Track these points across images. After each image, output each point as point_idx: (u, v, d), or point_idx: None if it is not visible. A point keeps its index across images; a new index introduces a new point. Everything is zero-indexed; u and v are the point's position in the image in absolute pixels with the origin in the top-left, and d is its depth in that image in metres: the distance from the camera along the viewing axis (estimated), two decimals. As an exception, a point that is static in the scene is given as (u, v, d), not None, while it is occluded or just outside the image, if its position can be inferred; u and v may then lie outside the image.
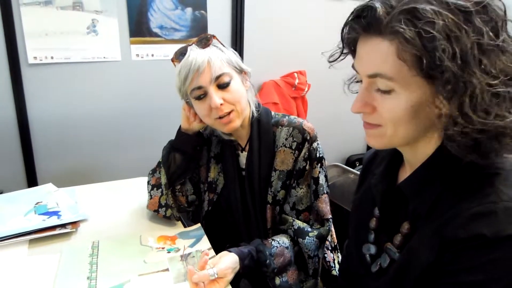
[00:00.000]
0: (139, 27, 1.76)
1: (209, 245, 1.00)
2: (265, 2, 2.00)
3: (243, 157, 1.08)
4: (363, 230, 0.77)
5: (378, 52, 0.55)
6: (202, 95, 0.96)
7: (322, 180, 1.03)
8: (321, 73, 1.60)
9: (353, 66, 0.64)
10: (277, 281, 0.95)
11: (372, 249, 0.74)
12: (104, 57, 1.74)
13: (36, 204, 1.18)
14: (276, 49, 2.10)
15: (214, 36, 1.01)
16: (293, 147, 1.03)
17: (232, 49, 1.04)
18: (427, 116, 0.56)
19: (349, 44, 0.62)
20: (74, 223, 1.08)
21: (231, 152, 1.10)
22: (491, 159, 0.54)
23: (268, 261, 0.94)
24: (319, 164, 1.03)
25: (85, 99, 1.76)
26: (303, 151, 1.02)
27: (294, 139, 1.03)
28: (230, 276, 0.86)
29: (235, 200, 1.08)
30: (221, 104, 0.94)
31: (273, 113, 1.11)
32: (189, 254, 0.96)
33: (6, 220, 1.08)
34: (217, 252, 0.94)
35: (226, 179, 1.10)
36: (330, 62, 0.68)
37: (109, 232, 1.05)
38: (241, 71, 1.02)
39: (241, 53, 1.99)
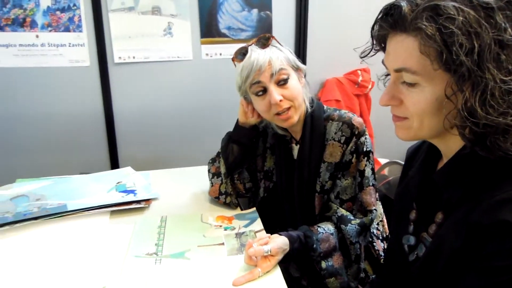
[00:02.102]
0: (209, 29, 1.91)
1: (261, 227, 1.09)
2: (328, 1, 2.04)
3: (296, 149, 1.15)
4: (403, 222, 0.80)
5: (403, 48, 0.59)
6: (262, 92, 1.04)
7: (368, 173, 1.07)
8: (385, 70, 1.60)
9: (383, 62, 0.68)
10: (323, 264, 1.01)
11: (412, 240, 0.77)
12: (178, 57, 1.92)
13: (117, 183, 1.37)
14: (339, 47, 2.12)
15: (273, 37, 1.08)
16: (342, 141, 1.08)
17: (288, 48, 1.12)
18: (451, 109, 0.58)
19: (379, 41, 0.66)
20: (147, 201, 1.25)
21: (284, 144, 1.18)
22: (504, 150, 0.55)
23: (315, 245, 1.00)
24: (366, 158, 1.07)
25: (161, 94, 1.95)
26: (350, 144, 1.06)
27: (343, 133, 1.08)
28: (279, 256, 0.93)
29: (287, 188, 1.16)
30: (280, 101, 1.02)
31: (325, 107, 1.16)
32: (243, 233, 1.06)
33: (92, 195, 1.27)
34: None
35: (280, 169, 1.18)
36: (361, 57, 0.72)
37: (175, 210, 1.20)
38: (297, 69, 1.09)
39: (304, 51, 2.05)
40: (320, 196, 1.10)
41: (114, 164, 1.94)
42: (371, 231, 1.15)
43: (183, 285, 0.83)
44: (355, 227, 1.03)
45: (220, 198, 1.22)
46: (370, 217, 1.06)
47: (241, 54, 1.07)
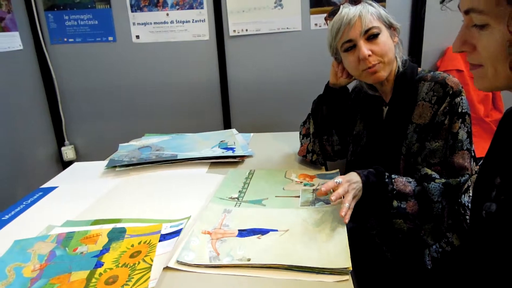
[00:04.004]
0: (318, -2, 1.92)
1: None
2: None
3: (385, 111, 1.13)
4: (487, 187, 0.74)
5: None
6: (351, 47, 1.04)
7: (462, 136, 0.98)
8: None
9: (458, 6, 0.63)
10: (394, 203, 0.97)
11: (493, 207, 0.71)
12: (287, 28, 1.99)
13: (220, 141, 1.54)
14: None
15: None
16: (433, 101, 1.01)
17: (382, 6, 1.08)
18: None
19: None
20: (241, 157, 1.38)
21: (376, 107, 1.15)
22: None
23: (387, 180, 0.98)
24: (460, 120, 0.98)
25: (271, 65, 2.06)
26: (444, 105, 0.99)
27: (435, 93, 1.01)
28: (354, 190, 0.93)
29: (373, 151, 1.14)
30: (369, 56, 1.01)
31: (420, 69, 1.10)
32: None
33: (199, 149, 1.46)
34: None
35: (369, 133, 1.17)
36: (441, 3, 0.68)
37: (264, 166, 1.30)
38: (390, 26, 1.06)
39: (422, 15, 1.90)
40: (405, 159, 1.06)
41: (227, 126, 2.14)
42: (463, 202, 1.05)
43: (254, 223, 0.92)
44: (439, 186, 0.96)
45: (307, 156, 1.27)
46: (458, 179, 0.97)
47: (333, 13, 1.09)
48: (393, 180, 0.98)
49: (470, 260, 0.81)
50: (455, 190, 0.98)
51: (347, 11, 1.02)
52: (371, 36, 1.01)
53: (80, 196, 1.16)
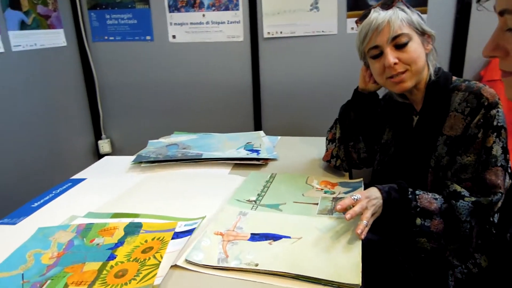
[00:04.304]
0: (356, 1, 1.88)
1: (362, 196, 1.07)
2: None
3: (415, 120, 1.08)
4: None
5: None
6: (378, 54, 1.01)
7: (496, 151, 0.91)
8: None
9: (494, 8, 0.59)
10: (418, 221, 0.91)
11: None
12: (322, 31, 1.96)
13: (246, 143, 1.54)
14: None
15: None
16: (466, 113, 0.95)
17: (417, 11, 1.04)
18: None
19: None
20: (265, 159, 1.37)
21: (406, 116, 1.11)
22: None
23: (410, 196, 0.92)
24: (495, 134, 0.91)
25: (304, 68, 2.03)
26: (477, 117, 0.93)
27: (468, 104, 0.95)
28: (373, 207, 0.88)
29: (401, 163, 1.09)
30: (395, 64, 0.97)
31: (455, 78, 1.04)
32: (341, 198, 1.06)
33: (224, 149, 1.47)
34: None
35: (398, 142, 1.12)
36: (477, 2, 0.64)
37: (288, 170, 1.28)
38: (423, 33, 1.01)
39: (466, 22, 1.80)
40: (433, 172, 1.00)
41: (257, 127, 2.14)
42: (495, 222, 0.98)
43: (268, 227, 0.90)
44: (468, 204, 0.90)
45: (331, 161, 1.24)
46: (490, 198, 0.90)
47: (364, 16, 1.06)
48: (417, 197, 0.93)
49: (494, 283, 0.76)
50: (485, 209, 0.91)
51: (376, 15, 0.98)
52: (399, 44, 0.97)
53: (105, 189, 1.20)
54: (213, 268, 0.78)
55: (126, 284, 0.74)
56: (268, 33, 1.99)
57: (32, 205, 1.11)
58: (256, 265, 0.77)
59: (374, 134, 1.21)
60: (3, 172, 1.73)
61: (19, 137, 1.81)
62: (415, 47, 0.98)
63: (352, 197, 0.88)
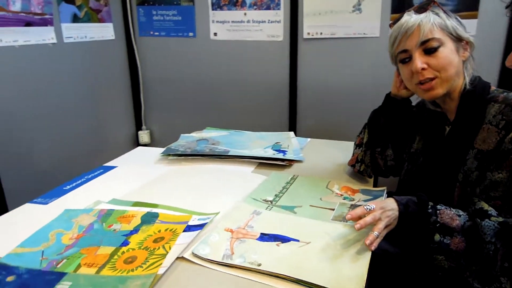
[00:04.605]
0: (401, 3, 1.81)
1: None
2: None
3: (447, 131, 1.02)
4: None
5: None
6: (407, 59, 0.97)
7: (531, 170, 0.84)
8: None
9: None
10: (436, 237, 0.85)
11: None
12: (364, 33, 1.90)
13: (275, 143, 1.53)
14: None
15: (434, 2, 0.98)
16: (500, 126, 0.88)
17: (456, 16, 0.98)
18: None
19: None
20: (291, 161, 1.36)
21: (438, 125, 1.05)
22: None
23: (430, 210, 0.87)
24: (531, 151, 0.84)
25: (344, 70, 1.99)
26: None
27: (504, 117, 0.88)
28: (387, 219, 0.84)
29: (429, 174, 1.04)
30: (423, 69, 0.93)
31: (493, 88, 0.97)
32: (359, 205, 1.03)
33: (252, 148, 1.48)
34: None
35: (427, 152, 1.07)
36: (506, 8, 0.61)
37: (311, 172, 1.26)
38: (459, 39, 0.95)
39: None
40: (460, 187, 0.95)
41: (292, 127, 2.12)
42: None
43: (278, 229, 0.90)
44: (494, 224, 0.83)
45: (355, 165, 1.21)
46: None
47: (398, 19, 1.02)
48: (438, 211, 0.88)
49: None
50: None
51: (408, 19, 0.94)
52: (428, 48, 0.92)
53: (132, 177, 1.25)
54: (217, 263, 0.79)
55: (132, 270, 0.77)
56: (308, 33, 1.97)
57: (65, 188, 1.18)
58: (259, 265, 0.77)
59: (403, 142, 1.16)
60: (51, 156, 1.86)
61: (66, 123, 1.94)
62: (447, 53, 0.93)
63: (365, 207, 0.85)
